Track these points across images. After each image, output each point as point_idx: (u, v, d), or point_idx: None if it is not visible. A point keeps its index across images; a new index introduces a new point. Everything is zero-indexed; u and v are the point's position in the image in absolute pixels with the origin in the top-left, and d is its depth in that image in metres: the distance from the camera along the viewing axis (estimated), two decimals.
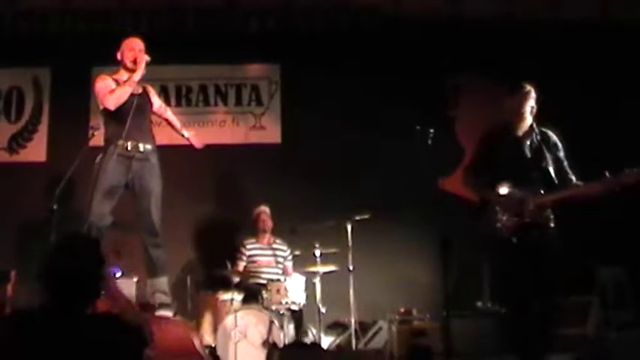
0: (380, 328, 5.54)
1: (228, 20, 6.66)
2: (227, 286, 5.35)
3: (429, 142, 4.03)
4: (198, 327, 5.21)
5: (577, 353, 4.29)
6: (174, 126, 4.98)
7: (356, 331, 5.33)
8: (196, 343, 4.24)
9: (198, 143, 4.96)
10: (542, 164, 4.05)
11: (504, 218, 3.98)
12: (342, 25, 6.71)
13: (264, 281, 5.50)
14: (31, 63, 6.64)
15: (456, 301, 4.39)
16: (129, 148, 4.44)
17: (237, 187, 6.57)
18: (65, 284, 2.16)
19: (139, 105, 4.49)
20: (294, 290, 5.28)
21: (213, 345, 5.06)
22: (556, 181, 4.02)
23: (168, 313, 4.46)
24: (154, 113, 4.84)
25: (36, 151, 6.59)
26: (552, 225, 4.01)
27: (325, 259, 5.37)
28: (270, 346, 4.91)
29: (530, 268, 3.91)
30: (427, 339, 5.06)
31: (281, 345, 4.90)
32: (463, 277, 4.94)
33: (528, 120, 4.15)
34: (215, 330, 5.15)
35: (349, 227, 5.32)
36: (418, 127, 4.07)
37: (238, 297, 5.33)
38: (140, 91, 4.61)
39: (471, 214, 4.19)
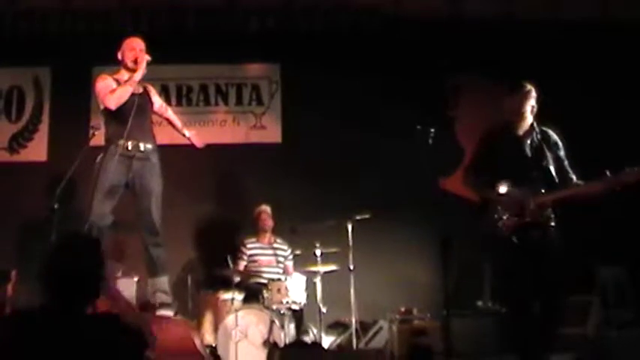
0: (380, 328, 5.55)
1: (229, 20, 6.67)
2: (228, 285, 5.34)
3: (430, 142, 4.03)
4: (198, 326, 5.20)
5: (577, 353, 4.30)
6: (176, 125, 4.97)
7: (356, 330, 5.33)
8: (197, 342, 4.25)
9: (199, 142, 4.94)
10: (542, 163, 4.04)
11: (505, 218, 3.98)
12: (342, 25, 6.71)
13: (265, 281, 5.50)
14: (32, 63, 6.64)
15: (456, 300, 4.40)
16: (130, 147, 4.42)
17: (238, 187, 6.57)
18: (65, 284, 2.15)
19: (139, 105, 4.48)
20: (295, 290, 5.29)
21: (213, 344, 5.06)
22: (557, 181, 4.02)
23: (168, 312, 4.45)
24: (155, 113, 4.84)
25: (36, 150, 6.58)
26: (553, 224, 4.00)
27: (326, 258, 5.37)
28: (270, 346, 4.91)
29: (530, 267, 3.90)
30: (427, 338, 5.07)
31: (282, 344, 4.90)
32: (463, 277, 4.95)
33: (529, 119, 4.14)
34: (216, 329, 5.15)
35: (350, 227, 5.31)
36: (418, 127, 4.07)
37: (239, 296, 5.33)
38: (141, 90, 4.60)
39: (472, 213, 4.19)
